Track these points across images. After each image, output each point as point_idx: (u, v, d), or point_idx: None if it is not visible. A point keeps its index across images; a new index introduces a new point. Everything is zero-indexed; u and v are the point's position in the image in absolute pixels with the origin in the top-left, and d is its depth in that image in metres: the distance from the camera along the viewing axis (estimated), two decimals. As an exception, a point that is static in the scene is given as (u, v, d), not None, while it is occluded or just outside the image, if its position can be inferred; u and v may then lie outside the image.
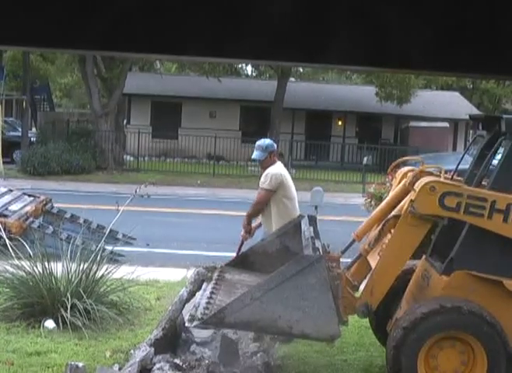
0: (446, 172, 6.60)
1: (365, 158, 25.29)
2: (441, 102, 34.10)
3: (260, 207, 7.66)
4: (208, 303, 5.87)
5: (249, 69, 44.18)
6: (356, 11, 0.87)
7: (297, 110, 32.54)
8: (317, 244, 6.11)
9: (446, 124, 30.83)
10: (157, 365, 6.20)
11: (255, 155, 7.77)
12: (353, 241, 6.62)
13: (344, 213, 16.53)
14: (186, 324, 5.94)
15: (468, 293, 5.73)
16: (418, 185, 5.83)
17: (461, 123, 32.95)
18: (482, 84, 43.61)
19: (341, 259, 6.45)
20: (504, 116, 6.77)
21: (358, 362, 6.92)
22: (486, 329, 5.52)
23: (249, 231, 7.83)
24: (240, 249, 7.91)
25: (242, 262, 6.86)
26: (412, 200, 5.82)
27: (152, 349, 6.51)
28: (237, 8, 0.87)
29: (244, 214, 7.94)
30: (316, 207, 10.37)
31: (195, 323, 5.63)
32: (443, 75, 1.00)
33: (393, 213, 6.28)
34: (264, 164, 7.72)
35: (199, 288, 6.67)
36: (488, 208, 5.64)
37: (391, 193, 6.66)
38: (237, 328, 5.92)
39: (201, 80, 30.50)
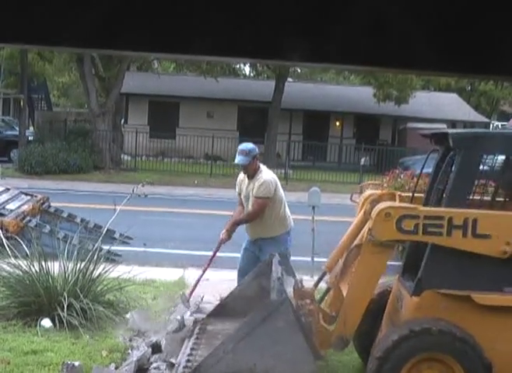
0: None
1: (362, 159, 25.30)
2: (439, 103, 34.15)
3: (257, 217, 7.54)
4: (187, 361, 5.83)
5: (247, 69, 44.22)
6: (356, 9, 0.87)
7: (295, 111, 32.55)
8: (285, 284, 6.03)
9: (443, 126, 30.86)
10: (154, 365, 6.20)
11: (239, 159, 7.52)
12: (325, 273, 6.61)
13: (341, 213, 16.53)
14: None
15: (441, 312, 5.71)
16: (373, 212, 5.82)
17: (459, 125, 32.98)
18: (481, 86, 43.68)
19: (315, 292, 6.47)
20: (450, 131, 6.78)
21: (353, 363, 6.93)
22: (458, 346, 5.51)
23: (230, 236, 7.69)
24: (217, 251, 7.79)
25: (223, 310, 6.78)
26: (369, 229, 5.84)
27: (150, 349, 6.51)
28: (236, 7, 0.87)
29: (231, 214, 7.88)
30: (313, 208, 10.37)
31: None
32: (444, 76, 1.00)
33: (354, 242, 6.31)
34: (249, 169, 7.57)
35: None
36: (446, 226, 5.61)
37: (354, 221, 6.66)
38: None
39: (198, 80, 30.48)
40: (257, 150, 7.72)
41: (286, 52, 0.89)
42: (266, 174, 7.61)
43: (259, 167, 7.63)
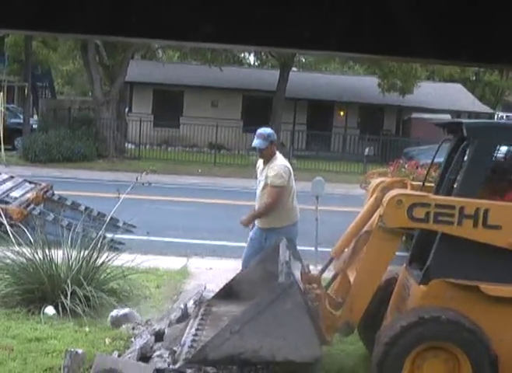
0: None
1: (366, 149, 25.29)
2: (443, 94, 34.06)
3: (275, 207, 7.47)
4: (193, 341, 5.84)
5: (251, 58, 44.09)
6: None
7: (299, 100, 32.49)
8: (293, 268, 6.05)
9: (448, 116, 30.80)
10: (157, 353, 6.22)
11: (256, 143, 7.58)
12: (332, 259, 6.61)
13: (344, 203, 16.54)
14: (170, 366, 5.89)
15: (447, 301, 5.71)
16: (385, 199, 5.82)
17: (463, 116, 32.91)
18: (486, 76, 43.55)
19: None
20: (464, 121, 6.74)
21: (357, 352, 6.95)
22: (466, 336, 5.51)
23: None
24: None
25: (228, 293, 6.79)
26: (380, 215, 5.84)
27: (153, 337, 6.53)
28: None
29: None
30: (317, 197, 10.37)
31: (180, 364, 5.59)
32: (445, 64, 1.00)
33: (364, 229, 6.30)
34: (265, 153, 7.60)
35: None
36: (457, 215, 5.61)
37: (364, 208, 6.65)
38: (221, 363, 5.75)
39: (203, 69, 30.44)
40: (275, 136, 7.77)
41: (292, 40, 0.88)
42: (281, 161, 7.63)
43: (275, 153, 7.66)
